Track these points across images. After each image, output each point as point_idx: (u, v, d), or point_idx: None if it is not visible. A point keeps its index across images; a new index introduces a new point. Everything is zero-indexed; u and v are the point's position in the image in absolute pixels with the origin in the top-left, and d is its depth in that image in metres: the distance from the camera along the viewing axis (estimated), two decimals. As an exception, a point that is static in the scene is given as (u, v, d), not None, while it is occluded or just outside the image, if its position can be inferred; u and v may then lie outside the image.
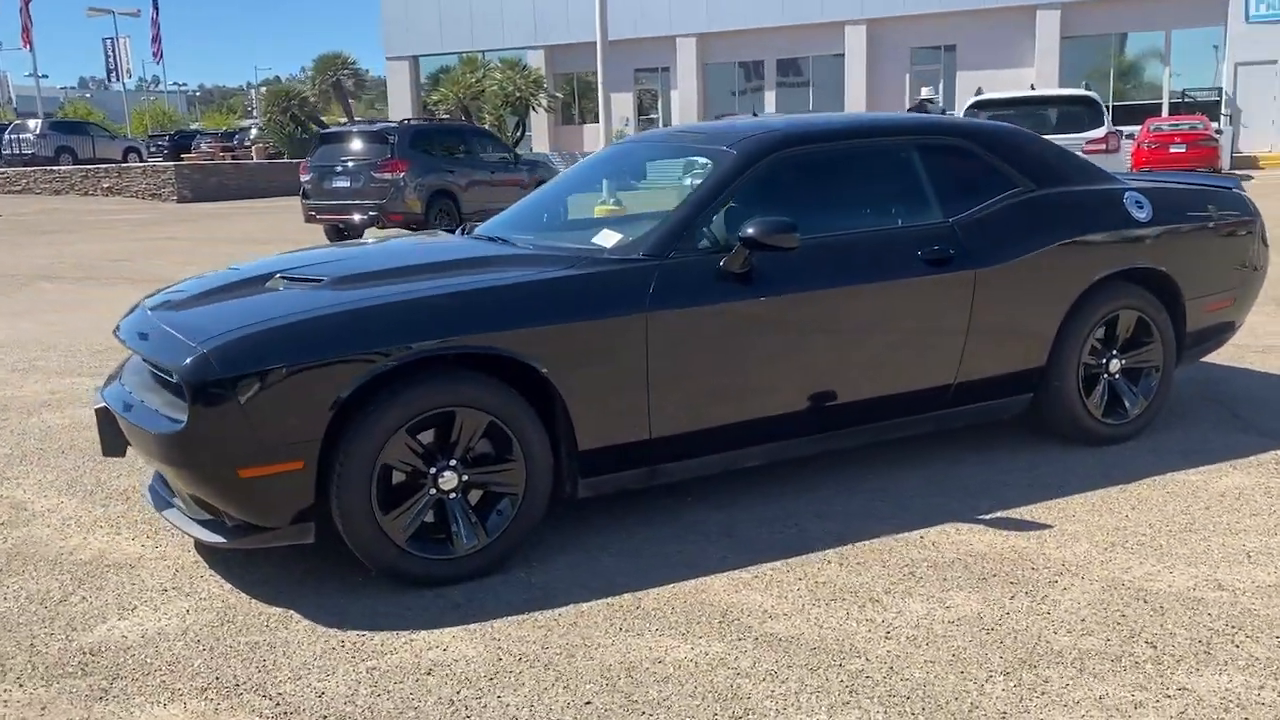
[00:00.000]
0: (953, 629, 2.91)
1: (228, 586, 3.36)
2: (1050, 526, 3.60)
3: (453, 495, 3.29)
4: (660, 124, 37.29)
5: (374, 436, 3.12)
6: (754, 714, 2.53)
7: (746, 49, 35.25)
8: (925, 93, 21.83)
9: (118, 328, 3.68)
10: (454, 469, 3.28)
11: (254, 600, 3.26)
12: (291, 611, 3.17)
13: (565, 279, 3.43)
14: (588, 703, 2.62)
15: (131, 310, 3.82)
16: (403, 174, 13.91)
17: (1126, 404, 4.44)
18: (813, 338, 3.73)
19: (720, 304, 3.55)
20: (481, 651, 2.89)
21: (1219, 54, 29.62)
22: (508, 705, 2.61)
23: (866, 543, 3.52)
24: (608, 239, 3.71)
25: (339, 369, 3.08)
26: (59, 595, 3.33)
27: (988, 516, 3.71)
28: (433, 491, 3.27)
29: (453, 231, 4.65)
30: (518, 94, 35.81)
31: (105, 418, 3.46)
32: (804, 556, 3.43)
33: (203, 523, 3.28)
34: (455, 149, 15.21)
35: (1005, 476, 4.11)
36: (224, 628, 3.08)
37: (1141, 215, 4.38)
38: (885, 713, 2.51)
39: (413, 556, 3.25)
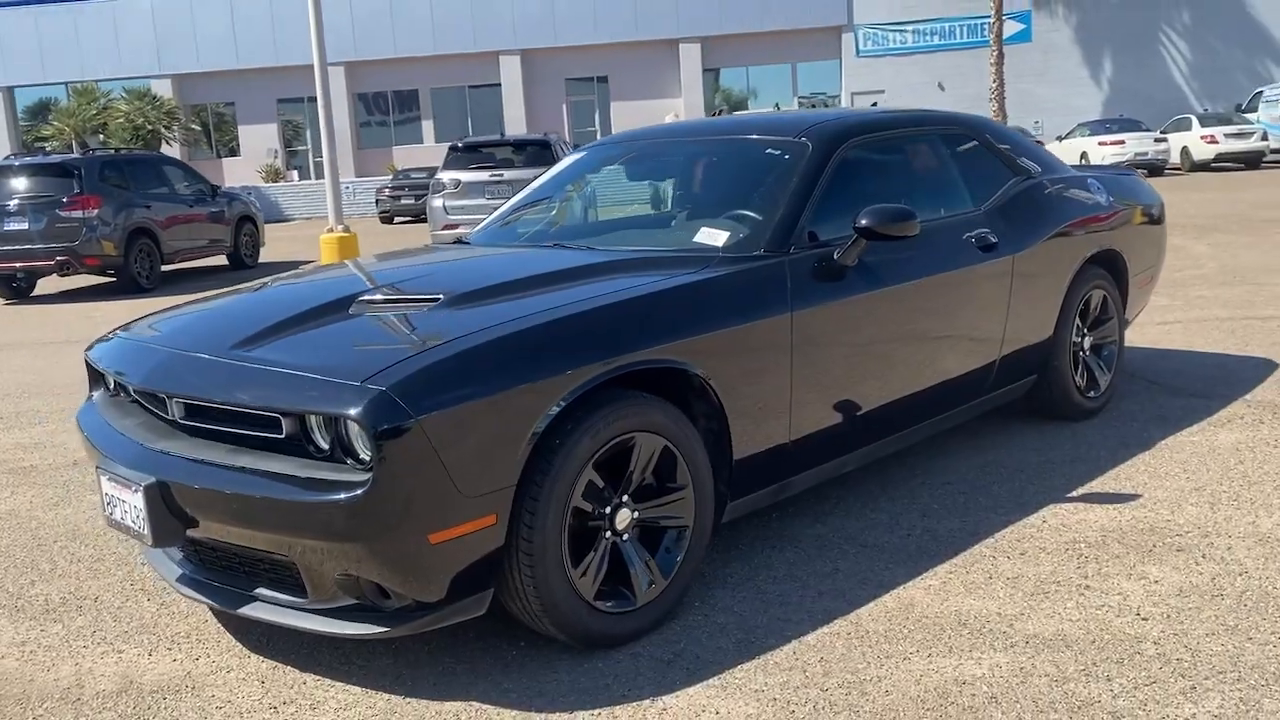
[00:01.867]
0: (1186, 599, 2.89)
1: (365, 691, 2.66)
2: (1140, 496, 3.71)
3: (625, 537, 2.82)
4: (310, 156, 35.57)
5: (566, 475, 2.60)
6: (1124, 716, 2.35)
7: (399, 78, 34.49)
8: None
9: (148, 377, 2.82)
10: (627, 505, 2.81)
11: (420, 701, 2.60)
12: (476, 705, 2.56)
13: (715, 281, 3.07)
14: (946, 739, 2.31)
15: (147, 357, 2.95)
16: (95, 211, 12.11)
17: (1098, 378, 4.71)
18: (915, 326, 3.63)
19: (848, 297, 3.34)
20: (756, 707, 2.48)
21: (840, 85, 33.01)
22: (867, 759, 2.25)
23: (1004, 533, 3.44)
24: (714, 237, 3.36)
25: (534, 396, 2.53)
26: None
27: (1075, 494, 3.76)
28: (608, 534, 2.78)
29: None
30: (149, 126, 32.76)
31: (159, 495, 2.62)
32: (962, 555, 3.29)
33: (339, 613, 2.57)
34: (149, 182, 13.48)
35: (1043, 458, 4.20)
36: (418, 738, 2.43)
37: (1104, 200, 4.69)
38: (1237, 687, 2.43)
39: (602, 614, 2.75)
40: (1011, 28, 31.46)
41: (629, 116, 33.13)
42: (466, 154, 12.32)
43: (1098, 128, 26.90)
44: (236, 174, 33.28)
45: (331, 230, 13.04)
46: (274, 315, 2.95)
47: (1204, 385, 5.16)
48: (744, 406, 3.05)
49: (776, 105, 25.41)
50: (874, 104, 30.62)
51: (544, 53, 33.57)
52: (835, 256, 3.34)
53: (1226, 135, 25.43)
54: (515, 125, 33.07)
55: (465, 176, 11.85)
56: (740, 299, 3.07)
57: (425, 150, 33.76)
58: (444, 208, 11.79)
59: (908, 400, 3.66)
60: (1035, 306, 4.22)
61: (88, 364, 3.39)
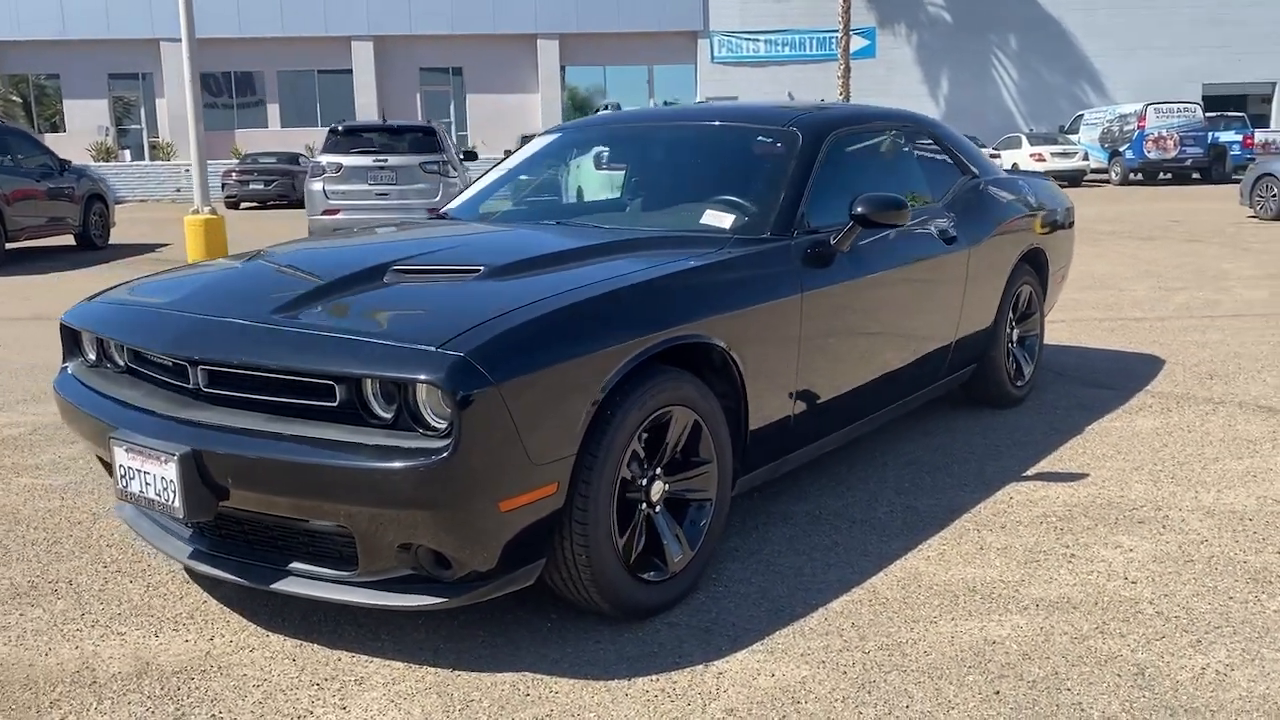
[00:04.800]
0: (1164, 565, 3.14)
1: (408, 665, 2.61)
2: (1088, 475, 3.99)
3: (657, 509, 2.87)
4: (145, 135, 33.76)
5: (618, 446, 2.63)
6: (1148, 667, 2.54)
7: (243, 59, 33.09)
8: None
9: (176, 343, 2.68)
10: (660, 478, 2.86)
11: (471, 673, 2.57)
12: (531, 675, 2.56)
13: (739, 260, 3.14)
14: (996, 692, 2.46)
15: (169, 323, 2.80)
16: (-66, 183, 11.19)
17: (1024, 368, 5.02)
18: (894, 310, 3.81)
19: (845, 280, 3.48)
20: (808, 669, 2.57)
21: (695, 89, 33.58)
22: (911, 707, 2.37)
23: (979, 509, 3.64)
24: (720, 219, 3.43)
25: (598, 365, 2.55)
26: None
27: (1030, 474, 4.01)
28: (643, 506, 2.82)
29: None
30: (-42, 96, 30.45)
31: (194, 465, 2.50)
32: (948, 529, 3.47)
33: (389, 585, 2.52)
34: (-9, 152, 12.53)
35: (987, 441, 4.45)
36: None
37: (1033, 201, 5.00)
38: (1235, 640, 2.66)
39: (644, 583, 2.79)
40: (857, 43, 32.74)
41: (485, 110, 32.84)
42: (347, 138, 11.98)
43: (938, 142, 28.28)
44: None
45: (197, 212, 12.43)
46: (304, 282, 2.86)
47: (1107, 377, 5.56)
48: (759, 382, 3.13)
49: (606, 105, 25.43)
50: (790, 95, 31.34)
51: (398, 40, 32.86)
52: (832, 241, 3.47)
53: (1053, 154, 27.19)
54: (367, 114, 32.24)
55: (347, 161, 11.52)
56: (760, 279, 3.16)
57: (270, 135, 32.54)
58: (324, 192, 11.43)
59: (886, 380, 3.83)
60: (982, 298, 4.47)
61: (65, 331, 3.18)
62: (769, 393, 3.20)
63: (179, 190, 29.96)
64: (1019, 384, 4.95)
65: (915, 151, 4.39)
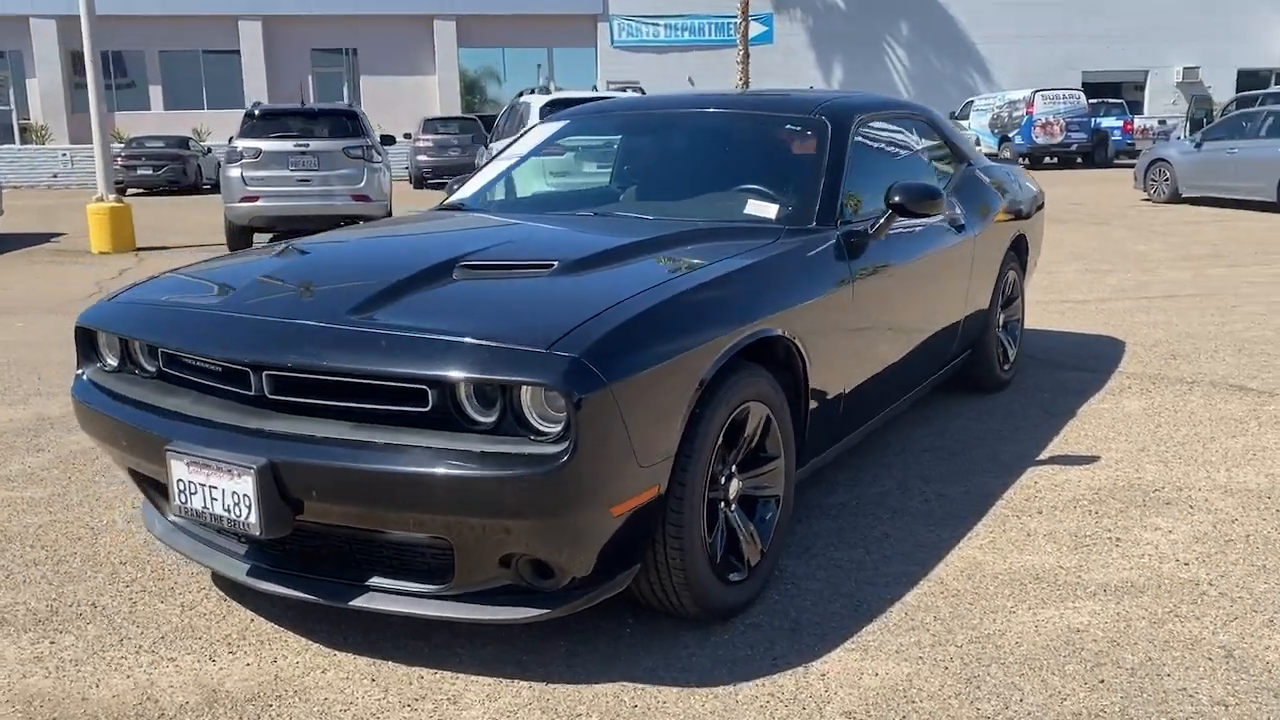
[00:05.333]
0: (1207, 546, 3.22)
1: (498, 680, 2.50)
2: (1099, 457, 4.07)
3: (733, 507, 2.81)
4: (14, 116, 31.97)
5: (708, 444, 2.56)
6: (1233, 649, 2.59)
7: (124, 37, 31.51)
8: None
9: (242, 347, 2.49)
10: (735, 476, 2.79)
11: (566, 686, 2.47)
12: (632, 685, 2.47)
13: (794, 251, 3.09)
14: (1101, 681, 2.47)
15: (229, 326, 2.60)
16: None
17: (1009, 352, 5.11)
18: (918, 297, 3.83)
19: (886, 267, 3.47)
20: (909, 667, 2.54)
21: (595, 74, 33.38)
22: (1024, 700, 2.37)
23: (1009, 494, 3.68)
24: (765, 210, 3.37)
25: (696, 362, 2.47)
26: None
27: (1044, 458, 4.07)
28: (722, 505, 2.76)
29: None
30: None
31: (272, 479, 2.33)
32: (990, 515, 3.49)
33: (483, 598, 2.39)
34: None
35: (986, 426, 4.51)
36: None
37: (1017, 188, 5.08)
38: (1305, 620, 2.74)
39: (730, 584, 2.72)
40: (755, 29, 32.97)
41: (381, 93, 32.04)
42: (265, 122, 11.48)
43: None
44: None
45: (101, 199, 11.79)
46: (363, 281, 2.69)
47: (1077, 359, 5.70)
48: (818, 374, 3.09)
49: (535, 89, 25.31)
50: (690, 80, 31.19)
51: (289, 20, 31.76)
52: (870, 230, 3.44)
53: (948, 139, 27.92)
54: (256, 96, 31.10)
55: (266, 146, 11.05)
56: (817, 269, 3.12)
57: (154, 118, 31.14)
58: (242, 178, 10.95)
59: (910, 365, 3.84)
60: (981, 284, 4.53)
61: (82, 333, 2.94)
62: (825, 384, 3.16)
63: (55, 176, 28.48)
64: (1005, 368, 5.04)
65: (921, 140, 4.40)
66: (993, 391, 5.00)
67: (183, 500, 2.48)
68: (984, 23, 35.23)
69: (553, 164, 4.21)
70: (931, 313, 3.98)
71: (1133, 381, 5.22)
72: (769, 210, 3.39)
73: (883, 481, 3.84)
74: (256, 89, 31.31)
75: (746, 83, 31.22)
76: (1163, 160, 16.23)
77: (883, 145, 4.12)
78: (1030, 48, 35.29)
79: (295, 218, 10.85)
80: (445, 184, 4.86)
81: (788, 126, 3.79)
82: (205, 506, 2.44)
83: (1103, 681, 2.47)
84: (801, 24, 34.85)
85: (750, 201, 3.45)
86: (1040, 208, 5.48)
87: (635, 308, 2.43)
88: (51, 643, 2.71)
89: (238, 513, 2.38)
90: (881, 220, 3.45)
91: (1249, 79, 34.65)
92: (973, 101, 30.87)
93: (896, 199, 3.41)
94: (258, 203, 10.94)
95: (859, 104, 3.94)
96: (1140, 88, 37.20)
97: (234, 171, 10.99)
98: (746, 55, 31.62)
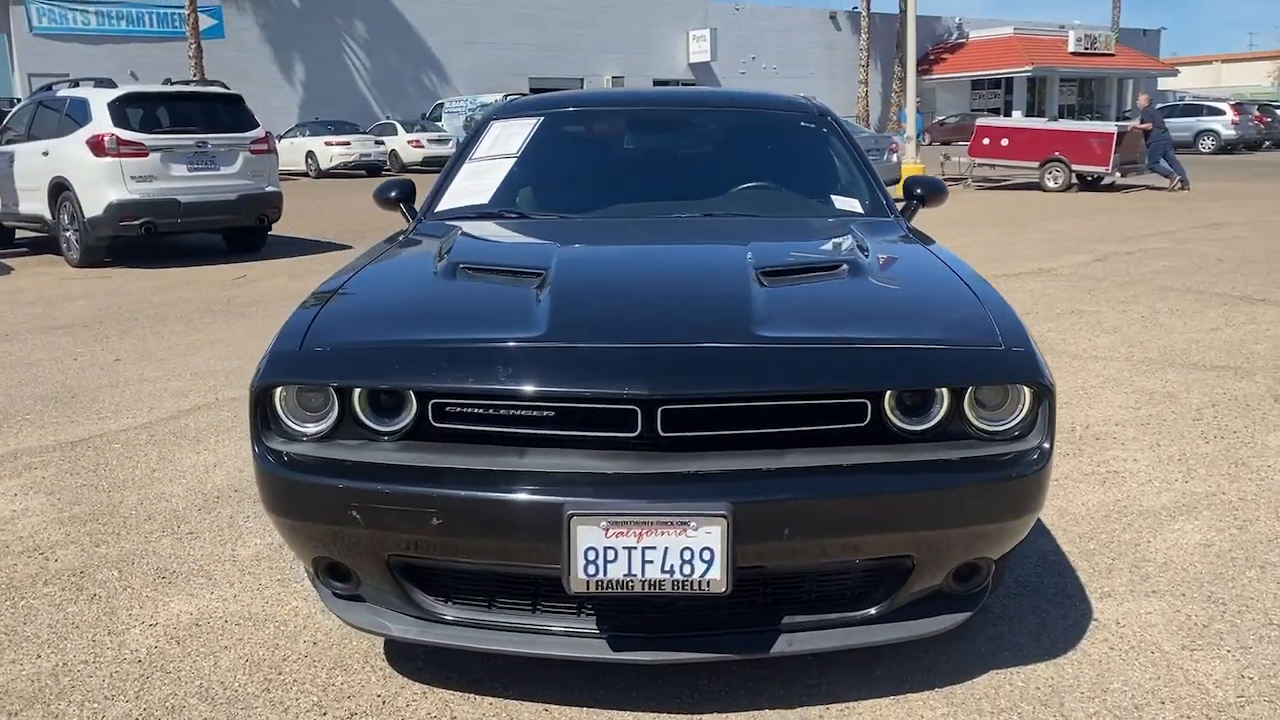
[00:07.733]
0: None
1: (590, 711, 2.36)
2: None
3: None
4: None
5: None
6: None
7: None
8: None
9: (643, 376, 2.03)
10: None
11: (699, 715, 2.32)
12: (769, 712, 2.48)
13: (915, 236, 3.24)
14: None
15: (612, 357, 2.11)
16: None
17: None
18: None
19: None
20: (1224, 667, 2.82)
21: (11, 63, 28.71)
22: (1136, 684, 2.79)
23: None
24: (849, 204, 3.45)
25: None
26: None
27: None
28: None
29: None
30: None
31: (732, 526, 1.99)
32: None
33: (902, 614, 2.27)
34: None
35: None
36: None
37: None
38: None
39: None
40: (205, 22, 30.62)
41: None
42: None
43: (319, 128, 27.78)
44: None
45: None
46: (673, 293, 2.38)
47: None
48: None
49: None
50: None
51: None
52: (909, 218, 3.67)
53: (429, 140, 28.36)
54: None
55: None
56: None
57: None
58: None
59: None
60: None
61: (270, 394, 2.18)
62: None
63: None
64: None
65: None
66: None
67: (591, 572, 2.01)
68: (439, 26, 36.24)
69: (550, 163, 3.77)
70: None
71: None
72: (851, 204, 3.47)
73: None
74: None
75: (202, 77, 28.91)
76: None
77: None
78: (482, 53, 37.01)
79: None
80: None
81: (803, 124, 3.82)
82: (629, 573, 2.01)
83: None
84: (254, 19, 33.06)
85: (834, 197, 3.50)
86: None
87: (1000, 298, 2.45)
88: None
89: (685, 571, 2.00)
90: (912, 211, 3.70)
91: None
92: (443, 104, 31.64)
93: (919, 191, 3.70)
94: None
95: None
96: (575, 93, 40.75)
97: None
98: (200, 49, 29.28)
